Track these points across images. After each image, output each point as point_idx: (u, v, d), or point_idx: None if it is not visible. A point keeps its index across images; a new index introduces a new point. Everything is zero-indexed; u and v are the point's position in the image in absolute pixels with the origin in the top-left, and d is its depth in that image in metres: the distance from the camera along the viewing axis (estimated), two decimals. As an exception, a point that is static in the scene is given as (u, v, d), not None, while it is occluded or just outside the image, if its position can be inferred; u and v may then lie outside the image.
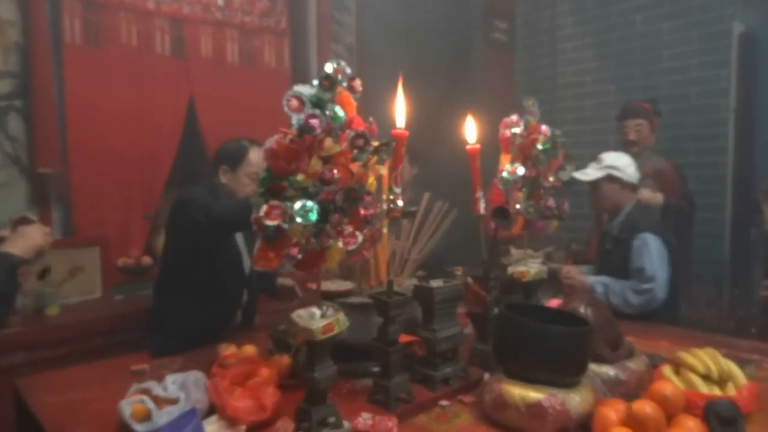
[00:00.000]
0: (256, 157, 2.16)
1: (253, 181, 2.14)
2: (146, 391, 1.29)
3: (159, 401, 1.25)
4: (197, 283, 2.05)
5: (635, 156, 2.98)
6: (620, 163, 2.38)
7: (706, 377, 1.33)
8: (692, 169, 3.37)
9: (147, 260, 2.81)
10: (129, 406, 1.23)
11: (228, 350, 1.63)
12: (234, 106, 3.15)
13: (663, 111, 3.14)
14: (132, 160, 2.81)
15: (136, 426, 1.19)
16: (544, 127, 1.66)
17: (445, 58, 4.43)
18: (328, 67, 1.06)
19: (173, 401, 1.26)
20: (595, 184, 2.40)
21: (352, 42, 3.70)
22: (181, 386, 1.31)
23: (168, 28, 2.90)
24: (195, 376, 1.34)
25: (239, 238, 2.25)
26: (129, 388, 1.35)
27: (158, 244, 2.94)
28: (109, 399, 1.39)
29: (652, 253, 2.22)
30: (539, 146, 1.65)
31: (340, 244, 1.07)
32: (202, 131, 3.07)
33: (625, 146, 3.03)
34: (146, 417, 1.21)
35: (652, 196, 2.84)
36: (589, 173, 2.42)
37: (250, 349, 1.63)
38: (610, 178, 2.36)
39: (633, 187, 2.41)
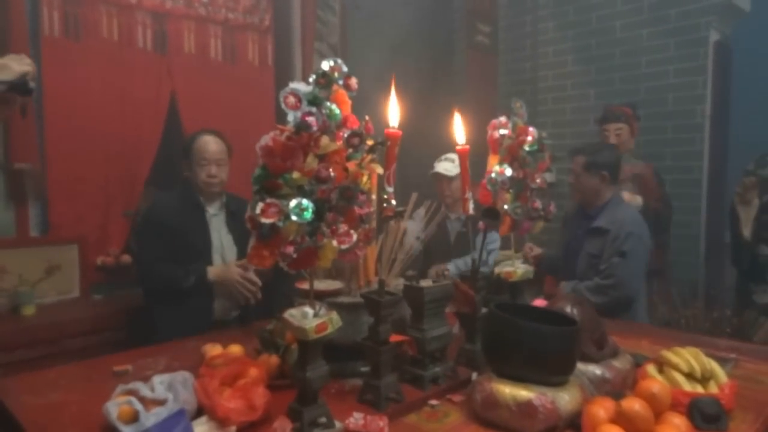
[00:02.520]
0: (203, 143, 2.26)
1: (202, 167, 2.24)
2: (133, 392, 1.27)
3: (146, 402, 1.22)
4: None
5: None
6: None
7: (690, 375, 1.37)
8: (669, 173, 3.45)
9: (127, 259, 2.76)
10: (115, 407, 1.20)
11: (214, 350, 1.61)
12: (216, 103, 3.12)
13: (641, 116, 3.21)
14: (112, 156, 2.75)
15: (124, 428, 1.16)
16: (531, 129, 1.69)
17: (428, 60, 4.45)
18: (325, 65, 1.05)
19: (161, 402, 1.23)
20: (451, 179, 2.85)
21: (336, 41, 3.69)
22: (169, 387, 1.28)
23: (150, 23, 2.85)
24: (183, 376, 1.31)
25: (221, 231, 2.31)
26: (112, 389, 1.31)
27: (138, 242, 2.90)
28: (91, 400, 1.36)
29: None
30: (527, 148, 1.67)
31: (335, 242, 1.07)
32: (183, 128, 3.03)
33: (605, 149, 3.08)
34: (133, 418, 1.18)
35: (631, 198, 2.90)
36: (450, 170, 2.86)
37: (236, 349, 1.61)
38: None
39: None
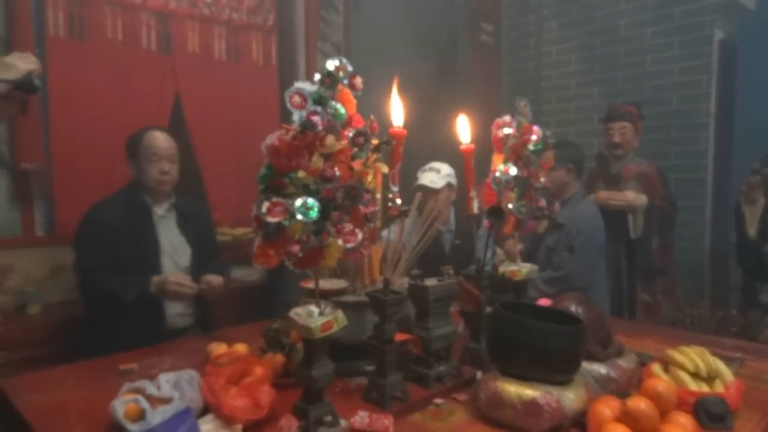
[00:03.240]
0: (152, 139, 2.16)
1: (153, 164, 2.14)
2: (139, 390, 1.27)
3: (153, 400, 1.23)
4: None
5: (620, 158, 3.05)
6: (452, 171, 2.85)
7: (695, 375, 1.36)
8: (674, 172, 3.44)
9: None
10: (122, 405, 1.21)
11: (219, 349, 1.62)
12: (221, 102, 3.13)
13: (645, 115, 3.20)
14: (116, 156, 2.74)
15: (130, 426, 1.17)
16: (536, 128, 1.68)
17: (431, 59, 4.44)
18: (330, 65, 1.06)
19: (167, 400, 1.24)
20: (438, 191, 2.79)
21: (340, 41, 3.70)
22: (175, 385, 1.29)
23: (154, 23, 2.86)
24: (189, 375, 1.32)
25: (172, 233, 2.23)
26: (118, 387, 1.32)
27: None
28: (98, 399, 1.37)
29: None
30: (531, 147, 1.67)
31: (340, 241, 1.07)
32: (188, 128, 3.04)
33: (609, 148, 3.08)
34: (140, 416, 1.18)
35: (636, 197, 2.90)
36: (436, 182, 2.80)
37: (241, 348, 1.62)
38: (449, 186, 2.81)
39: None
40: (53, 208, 2.59)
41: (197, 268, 2.20)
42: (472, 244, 2.56)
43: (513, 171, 1.62)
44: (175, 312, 2.17)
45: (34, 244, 2.52)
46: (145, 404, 1.21)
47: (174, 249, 2.21)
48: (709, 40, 3.75)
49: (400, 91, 1.31)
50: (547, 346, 1.23)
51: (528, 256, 2.59)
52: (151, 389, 1.27)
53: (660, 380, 1.24)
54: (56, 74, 2.54)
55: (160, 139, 2.17)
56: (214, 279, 2.13)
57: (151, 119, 2.88)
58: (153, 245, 2.16)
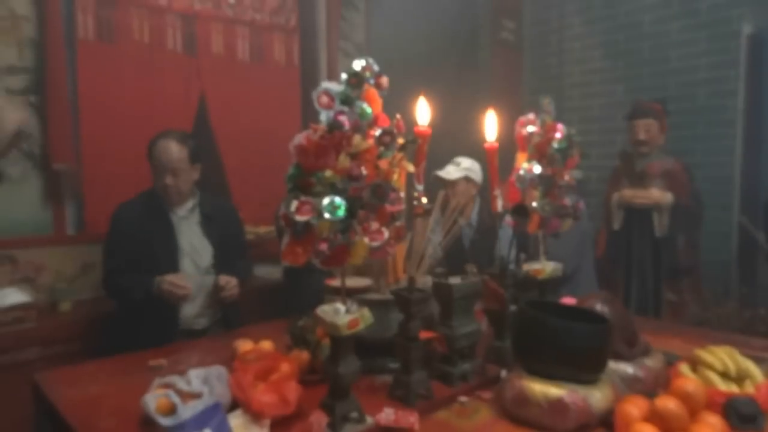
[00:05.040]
0: (161, 149, 2.13)
1: (158, 175, 2.13)
2: (170, 386, 1.30)
3: (183, 395, 1.26)
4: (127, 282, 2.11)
5: (644, 156, 3.00)
6: (475, 167, 2.89)
7: (724, 375, 1.34)
8: (700, 169, 3.38)
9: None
10: (154, 399, 1.23)
11: (246, 346, 1.64)
12: (244, 102, 3.17)
13: (671, 111, 3.15)
14: (143, 155, 2.80)
15: (162, 420, 1.19)
16: (560, 126, 1.67)
17: (452, 57, 4.44)
18: (356, 65, 1.07)
19: (197, 395, 1.26)
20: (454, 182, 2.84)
21: (361, 40, 3.71)
22: (205, 380, 1.31)
23: (179, 25, 2.91)
24: (218, 370, 1.35)
25: (193, 234, 2.23)
26: (148, 382, 1.35)
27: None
28: (129, 393, 1.40)
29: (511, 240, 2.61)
30: (555, 145, 1.66)
31: (367, 240, 1.08)
32: (212, 128, 3.09)
33: (634, 146, 3.04)
34: (171, 411, 1.21)
35: (661, 195, 2.86)
36: (451, 173, 2.84)
37: (267, 345, 1.64)
38: (467, 179, 2.85)
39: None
40: (83, 208, 2.65)
41: (221, 269, 2.20)
42: (494, 241, 2.60)
43: (537, 169, 1.61)
44: (191, 314, 2.17)
45: (65, 243, 2.59)
46: (176, 399, 1.23)
47: (194, 250, 2.21)
48: (737, 35, 3.67)
49: (417, 89, 1.32)
50: (573, 345, 1.23)
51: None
52: (182, 384, 1.30)
53: (689, 380, 1.23)
54: (86, 76, 2.61)
55: (169, 150, 2.13)
56: (225, 280, 2.13)
57: (177, 120, 2.93)
58: (171, 246, 2.16)
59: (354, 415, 1.21)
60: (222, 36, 3.07)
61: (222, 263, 2.24)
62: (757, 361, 1.46)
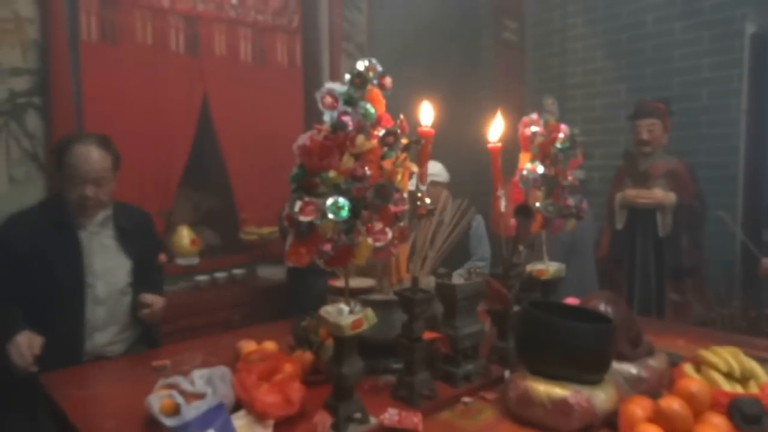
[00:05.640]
0: (80, 158, 1.79)
1: (75, 186, 1.79)
2: (174, 386, 1.30)
3: (187, 396, 1.26)
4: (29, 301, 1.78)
5: (648, 156, 3.00)
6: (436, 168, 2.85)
7: (728, 375, 1.34)
8: (704, 169, 3.37)
9: (162, 258, 2.82)
10: (158, 400, 1.24)
11: (249, 346, 1.64)
12: (246, 104, 3.17)
13: (674, 111, 3.14)
14: (147, 157, 2.83)
15: (166, 420, 1.20)
16: (563, 126, 1.67)
17: (455, 57, 4.44)
18: (360, 65, 1.07)
19: (201, 396, 1.27)
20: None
21: (363, 41, 3.71)
22: (208, 381, 1.32)
23: (182, 26, 2.92)
24: (221, 371, 1.35)
25: (107, 251, 1.92)
26: (152, 382, 1.36)
27: (173, 241, 2.97)
28: (133, 393, 1.41)
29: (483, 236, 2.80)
30: (558, 145, 1.66)
31: (370, 240, 1.08)
32: (215, 129, 3.09)
33: (637, 145, 3.04)
34: (175, 411, 1.21)
35: (665, 195, 2.85)
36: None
37: (270, 345, 1.64)
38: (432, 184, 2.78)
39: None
40: (87, 208, 2.65)
41: (139, 286, 1.97)
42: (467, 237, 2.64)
43: (540, 169, 1.61)
44: (102, 342, 1.89)
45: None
46: (179, 399, 1.24)
47: (108, 270, 1.90)
48: (741, 34, 3.66)
49: (420, 89, 1.32)
50: (576, 345, 1.22)
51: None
52: (185, 385, 1.31)
53: (693, 380, 1.22)
54: (89, 77, 2.61)
55: (90, 158, 1.80)
56: (151, 300, 1.90)
57: (180, 121, 2.94)
58: (77, 269, 1.82)
59: (357, 415, 1.21)
60: (225, 37, 3.08)
61: (140, 279, 1.98)
62: (762, 361, 1.45)
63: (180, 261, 2.96)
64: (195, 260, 3.00)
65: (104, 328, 1.89)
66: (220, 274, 2.99)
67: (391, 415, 1.24)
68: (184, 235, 2.99)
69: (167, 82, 2.87)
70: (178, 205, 3.14)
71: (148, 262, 2.08)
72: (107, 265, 1.91)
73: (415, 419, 1.23)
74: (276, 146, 3.20)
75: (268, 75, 3.27)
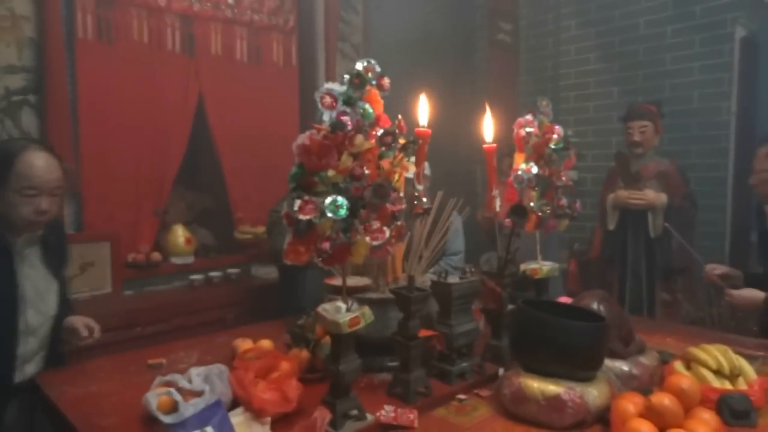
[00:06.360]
0: (32, 166, 1.56)
1: (29, 199, 1.56)
2: (171, 384, 1.31)
3: (184, 393, 1.27)
4: None
5: (639, 157, 3.04)
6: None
7: (718, 372, 1.37)
8: (694, 171, 3.42)
9: (157, 256, 2.83)
10: (155, 398, 1.24)
11: (245, 345, 1.65)
12: (242, 103, 3.18)
13: (666, 113, 3.18)
14: (142, 156, 2.83)
15: (163, 418, 1.21)
16: (557, 128, 1.70)
17: (450, 59, 4.46)
18: (359, 66, 1.08)
19: (198, 393, 1.27)
20: None
21: (359, 41, 3.73)
22: (206, 379, 1.32)
23: (179, 26, 2.92)
24: (218, 369, 1.36)
25: (36, 273, 1.70)
26: (148, 380, 1.36)
27: (168, 240, 2.97)
28: (129, 391, 1.42)
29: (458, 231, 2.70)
30: (552, 146, 1.68)
31: (368, 239, 1.10)
32: (211, 128, 3.10)
33: (629, 147, 3.07)
34: (173, 409, 1.22)
35: (656, 196, 2.89)
36: None
37: (266, 344, 1.65)
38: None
39: None
40: (82, 207, 2.65)
41: (62, 309, 1.77)
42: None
43: (534, 170, 1.64)
44: (32, 372, 1.69)
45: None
46: (177, 397, 1.25)
47: (38, 295, 1.68)
48: (731, 38, 3.71)
49: (415, 89, 1.34)
50: (570, 343, 1.25)
51: None
52: (183, 382, 1.32)
53: (684, 377, 1.25)
54: (85, 76, 2.61)
55: (41, 167, 1.58)
56: (87, 326, 1.72)
57: (176, 120, 2.94)
58: (9, 296, 1.60)
59: (354, 412, 1.22)
60: (220, 36, 3.08)
61: (63, 301, 1.78)
62: (750, 359, 1.49)
63: (174, 260, 2.96)
64: (190, 259, 3.01)
65: (33, 359, 1.69)
66: (214, 273, 3.00)
67: (387, 412, 1.25)
68: (179, 234, 2.99)
69: (163, 81, 2.87)
70: (173, 204, 3.14)
71: (65, 279, 1.87)
72: (38, 289, 1.68)
73: (411, 416, 1.25)
74: (271, 146, 3.21)
75: (263, 75, 3.28)
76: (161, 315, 2.56)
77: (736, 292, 2.10)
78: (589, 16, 4.41)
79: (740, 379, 1.37)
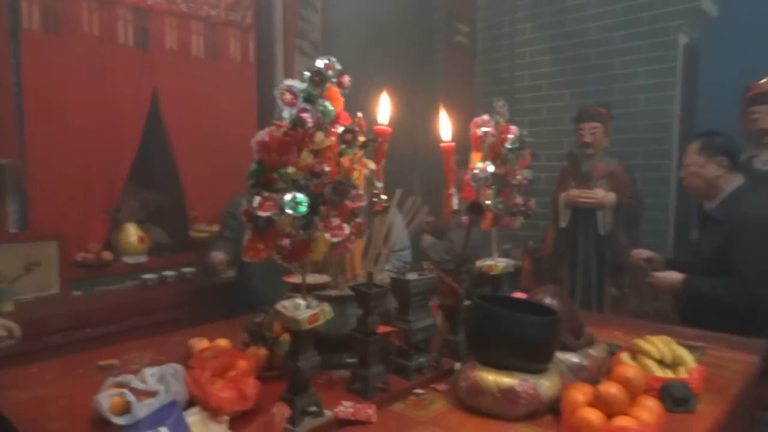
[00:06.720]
0: None
1: None
2: (124, 384, 1.28)
3: (138, 394, 1.24)
4: None
5: (590, 157, 3.16)
6: None
7: (661, 362, 1.45)
8: (640, 171, 3.57)
9: (108, 255, 2.75)
10: (107, 399, 1.21)
11: (201, 344, 1.63)
12: (198, 100, 3.12)
13: (614, 115, 3.31)
14: (92, 152, 2.73)
15: (115, 419, 1.18)
16: (513, 128, 1.74)
17: (408, 59, 4.50)
18: (319, 63, 1.09)
19: (152, 394, 1.25)
20: None
21: (318, 39, 3.71)
22: (160, 379, 1.30)
23: (132, 19, 2.83)
24: (173, 368, 1.33)
25: None
26: (98, 383, 1.32)
27: (120, 238, 2.88)
28: (79, 394, 1.37)
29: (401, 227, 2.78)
30: (508, 146, 1.73)
31: (328, 236, 1.10)
32: (165, 125, 3.02)
33: (580, 148, 3.18)
34: (126, 410, 1.19)
35: (605, 195, 3.00)
36: None
37: (223, 343, 1.63)
38: None
39: None
40: (27, 205, 2.54)
41: None
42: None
43: (491, 168, 1.67)
44: None
45: (7, 240, 2.48)
46: (130, 397, 1.21)
47: None
48: (674, 45, 3.89)
49: (373, 89, 1.36)
50: (524, 337, 1.29)
51: None
52: (136, 383, 1.28)
53: (629, 367, 1.31)
54: (30, 68, 2.50)
55: None
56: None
57: (128, 116, 2.86)
58: None
59: (313, 408, 1.23)
60: (176, 31, 3.01)
61: None
62: (690, 349, 1.57)
63: (127, 259, 2.88)
64: (143, 258, 2.93)
65: None
66: (169, 273, 2.93)
67: (346, 408, 1.27)
68: (131, 233, 2.91)
69: (115, 75, 2.78)
70: (126, 202, 3.05)
71: None
72: None
73: (369, 411, 1.26)
74: (228, 143, 3.16)
75: (220, 71, 3.22)
76: (112, 315, 2.49)
77: (658, 274, 2.33)
78: (543, 20, 4.53)
79: (681, 369, 1.44)
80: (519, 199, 1.75)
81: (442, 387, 1.46)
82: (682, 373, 1.42)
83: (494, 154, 1.70)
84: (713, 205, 2.31)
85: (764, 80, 2.76)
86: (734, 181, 2.27)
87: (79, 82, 2.65)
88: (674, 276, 2.26)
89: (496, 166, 1.69)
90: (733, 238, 2.13)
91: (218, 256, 2.63)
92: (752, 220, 2.14)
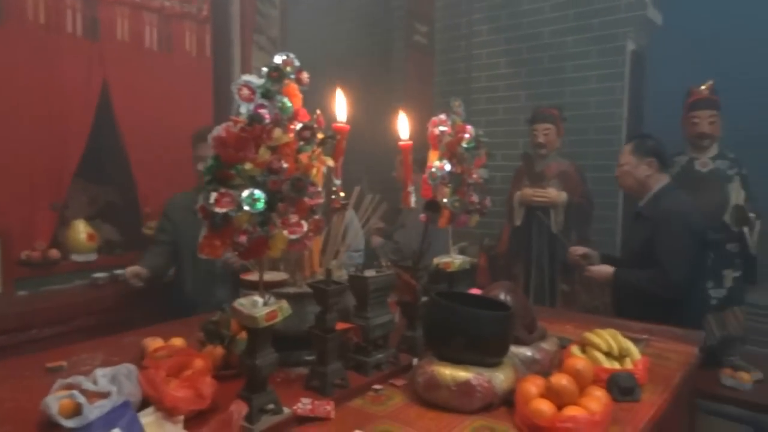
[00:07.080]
0: None
1: None
2: (74, 386, 1.24)
3: (89, 395, 1.20)
4: None
5: (543, 157, 3.25)
6: None
7: (608, 354, 1.51)
8: (591, 171, 3.70)
9: (54, 253, 2.63)
10: (56, 401, 1.17)
11: (155, 343, 1.59)
12: (151, 93, 3.03)
13: (567, 117, 3.42)
14: (38, 145, 2.61)
15: (65, 422, 1.14)
16: (469, 127, 1.78)
17: (368, 57, 4.51)
18: (278, 59, 1.08)
19: (104, 395, 1.21)
20: None
21: (276, 34, 3.67)
22: (112, 379, 1.26)
23: (80, 7, 2.72)
24: (126, 368, 1.30)
25: None
26: (46, 385, 1.27)
27: (68, 236, 2.78)
28: (25, 397, 1.33)
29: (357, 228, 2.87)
30: (464, 145, 1.76)
31: (286, 232, 1.10)
32: (116, 118, 2.92)
33: (534, 148, 3.27)
34: (76, 412, 1.15)
35: (557, 194, 3.10)
36: None
37: (178, 342, 1.60)
38: None
39: None
40: (-34, 201, 2.41)
41: None
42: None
43: (447, 167, 1.70)
44: None
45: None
46: (81, 399, 1.18)
47: None
48: (623, 51, 4.05)
49: (331, 86, 1.36)
50: (479, 332, 1.32)
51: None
52: (87, 384, 1.24)
53: (579, 359, 1.37)
54: (-31, 57, 2.38)
55: None
56: None
57: (76, 108, 2.75)
58: None
59: (271, 406, 1.22)
60: (127, 21, 2.91)
61: None
62: (635, 341, 1.65)
63: (75, 257, 2.77)
64: (92, 256, 2.83)
65: None
66: (120, 271, 2.83)
67: (305, 405, 1.27)
68: (80, 230, 2.80)
69: (62, 65, 2.66)
70: (73, 197, 2.93)
71: None
72: None
73: (328, 407, 1.27)
74: (183, 138, 3.07)
75: (174, 64, 3.14)
76: (60, 316, 2.39)
77: (593, 268, 2.52)
78: (499, 23, 4.62)
79: (627, 360, 1.52)
80: (475, 198, 1.79)
81: (400, 382, 1.48)
82: (628, 364, 1.49)
83: (451, 153, 1.73)
84: (642, 203, 2.48)
85: (704, 87, 2.91)
86: (661, 181, 2.44)
87: (23, 72, 2.53)
88: (607, 269, 2.45)
89: (453, 165, 1.72)
90: (657, 233, 2.31)
91: (133, 270, 2.52)
92: (673, 217, 2.32)
